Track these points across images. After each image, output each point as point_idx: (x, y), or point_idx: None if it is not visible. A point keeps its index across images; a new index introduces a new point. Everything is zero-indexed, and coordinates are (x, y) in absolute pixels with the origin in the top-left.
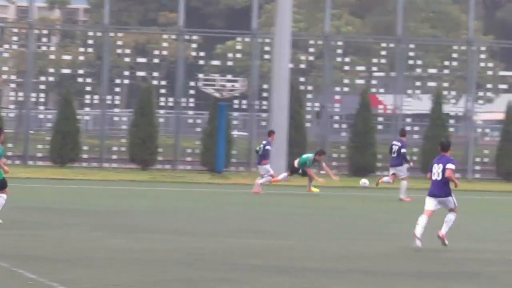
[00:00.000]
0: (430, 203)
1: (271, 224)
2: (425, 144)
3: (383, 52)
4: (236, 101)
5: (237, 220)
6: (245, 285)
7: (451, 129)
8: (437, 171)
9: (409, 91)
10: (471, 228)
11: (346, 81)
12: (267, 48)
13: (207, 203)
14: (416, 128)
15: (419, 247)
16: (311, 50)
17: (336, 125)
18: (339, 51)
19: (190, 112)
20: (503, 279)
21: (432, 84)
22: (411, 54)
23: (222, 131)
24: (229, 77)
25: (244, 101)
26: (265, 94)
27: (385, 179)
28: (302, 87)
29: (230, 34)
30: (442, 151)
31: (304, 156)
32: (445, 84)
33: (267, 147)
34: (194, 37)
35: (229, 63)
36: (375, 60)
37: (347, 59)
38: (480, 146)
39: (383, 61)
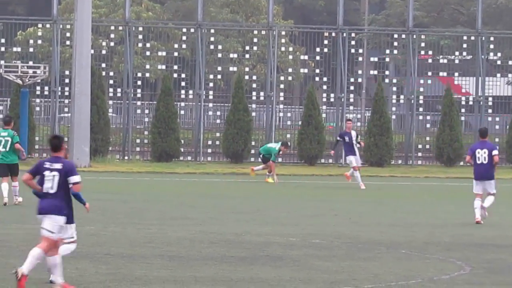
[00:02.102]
0: (479, 186)
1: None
2: (228, 129)
3: (184, 37)
4: (38, 88)
5: None
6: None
7: (254, 114)
8: (482, 155)
9: (211, 76)
10: (274, 212)
11: (147, 66)
12: (68, 34)
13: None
14: (218, 113)
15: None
16: (112, 36)
17: (139, 111)
18: (140, 36)
19: None
20: (305, 262)
21: (233, 69)
22: (212, 39)
23: (24, 117)
24: (30, 63)
25: (46, 87)
26: (67, 80)
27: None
28: (104, 73)
29: (31, 21)
30: (481, 137)
31: (271, 146)
32: (246, 69)
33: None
34: None
35: (31, 49)
36: (176, 46)
37: (148, 45)
38: (282, 130)
39: (184, 46)
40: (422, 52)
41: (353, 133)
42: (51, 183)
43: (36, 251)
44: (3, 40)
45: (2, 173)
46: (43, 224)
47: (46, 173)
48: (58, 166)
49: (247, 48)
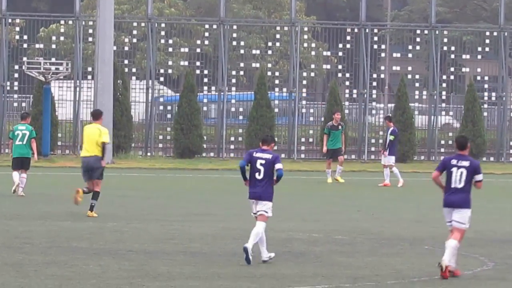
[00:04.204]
0: None
1: (98, 206)
2: (250, 125)
3: (207, 34)
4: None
5: (64, 203)
6: (72, 268)
7: (276, 110)
8: None
9: (234, 72)
10: (297, 208)
11: (170, 63)
12: (90, 31)
13: (35, 187)
14: (240, 109)
15: None
16: (135, 32)
17: (161, 107)
18: (163, 33)
19: (15, 96)
20: (328, 258)
21: (256, 65)
22: (235, 35)
23: (47, 114)
24: (53, 60)
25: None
26: (89, 77)
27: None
28: (126, 69)
29: (53, 17)
30: None
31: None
32: (269, 65)
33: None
34: (17, 21)
35: (53, 46)
36: (199, 42)
37: (170, 41)
38: (304, 126)
39: (206, 42)
40: (445, 48)
41: (390, 130)
42: (459, 179)
43: (453, 243)
44: (25, 37)
45: (15, 166)
46: (454, 217)
47: (454, 170)
48: (466, 163)
49: (270, 44)
